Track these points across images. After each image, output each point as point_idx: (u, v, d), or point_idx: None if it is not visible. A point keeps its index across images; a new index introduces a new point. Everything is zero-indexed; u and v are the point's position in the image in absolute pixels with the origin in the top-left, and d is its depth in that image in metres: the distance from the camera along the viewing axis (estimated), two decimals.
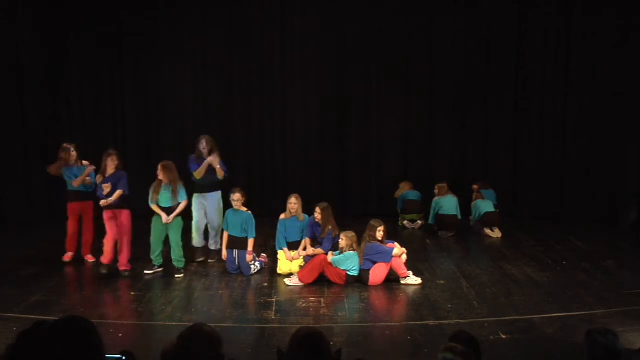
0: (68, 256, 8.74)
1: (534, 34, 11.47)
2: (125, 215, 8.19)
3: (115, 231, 8.17)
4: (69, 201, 8.77)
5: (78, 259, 8.74)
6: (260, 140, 11.83)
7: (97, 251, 8.59)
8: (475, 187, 10.87)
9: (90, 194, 8.69)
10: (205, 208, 8.75)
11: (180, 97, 11.65)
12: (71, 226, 8.75)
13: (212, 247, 8.99)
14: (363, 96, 11.75)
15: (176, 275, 8.09)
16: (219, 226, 8.79)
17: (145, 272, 8.17)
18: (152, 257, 8.19)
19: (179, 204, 8.11)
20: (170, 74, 11.55)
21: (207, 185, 8.70)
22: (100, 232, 8.61)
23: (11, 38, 10.85)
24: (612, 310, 6.80)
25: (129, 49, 11.50)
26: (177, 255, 8.18)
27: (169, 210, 8.06)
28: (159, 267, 8.24)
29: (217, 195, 8.83)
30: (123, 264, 8.16)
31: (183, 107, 11.66)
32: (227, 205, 8.49)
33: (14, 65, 10.94)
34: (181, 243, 8.19)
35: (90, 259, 8.77)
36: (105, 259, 8.18)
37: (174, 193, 8.04)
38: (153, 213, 8.14)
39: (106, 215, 8.19)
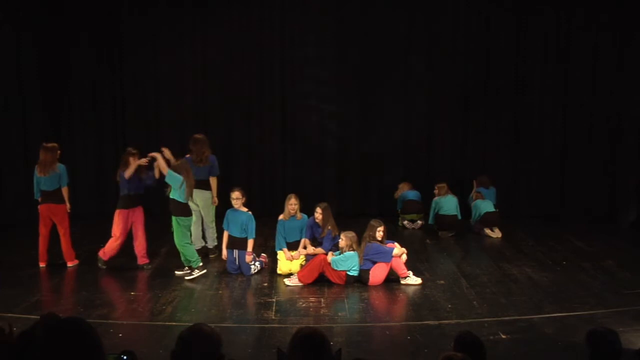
0: (42, 264, 8.41)
1: (534, 35, 11.47)
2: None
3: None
4: (39, 203, 8.34)
5: (81, 262, 8.62)
6: (260, 140, 11.82)
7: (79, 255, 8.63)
8: (475, 182, 10.89)
9: (61, 196, 8.32)
10: (197, 207, 8.81)
11: (180, 97, 11.64)
12: (42, 231, 8.32)
13: (210, 244, 9.07)
14: (363, 96, 11.73)
15: (179, 273, 8.07)
16: (212, 220, 8.92)
17: (187, 278, 7.99)
18: (194, 259, 8.01)
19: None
20: (170, 74, 11.55)
21: (196, 182, 8.77)
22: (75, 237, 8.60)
23: (12, 39, 10.85)
24: (612, 310, 6.81)
25: (129, 49, 11.49)
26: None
27: (182, 206, 7.99)
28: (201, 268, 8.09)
29: (207, 193, 8.87)
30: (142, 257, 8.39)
31: (183, 107, 11.65)
32: (227, 204, 8.48)
33: (14, 66, 10.95)
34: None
35: (72, 263, 8.50)
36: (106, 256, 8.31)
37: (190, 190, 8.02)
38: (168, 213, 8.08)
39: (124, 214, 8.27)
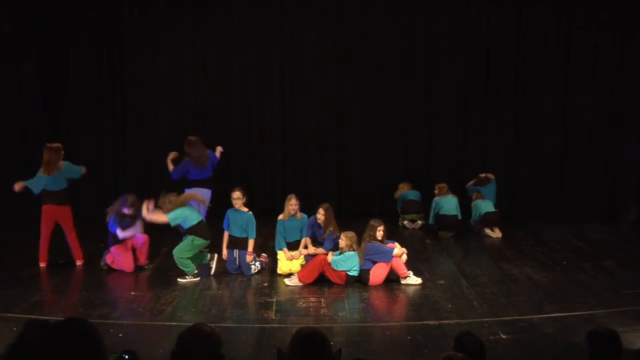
0: (42, 264, 8.39)
1: (534, 35, 11.47)
2: None
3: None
4: (43, 203, 8.24)
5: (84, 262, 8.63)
6: (260, 140, 11.82)
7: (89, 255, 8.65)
8: (482, 175, 10.90)
9: (67, 197, 8.34)
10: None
11: (180, 97, 11.64)
12: (43, 232, 8.28)
13: None
14: (363, 96, 11.73)
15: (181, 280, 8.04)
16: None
17: (179, 278, 7.99)
18: (189, 269, 7.94)
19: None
20: (170, 74, 11.55)
21: (197, 181, 8.75)
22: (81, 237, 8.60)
23: (11, 38, 10.86)
24: (612, 310, 6.80)
25: (129, 49, 11.49)
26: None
27: (202, 227, 8.06)
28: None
29: (206, 192, 8.86)
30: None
31: (183, 107, 11.65)
32: (227, 204, 8.48)
33: (14, 66, 10.95)
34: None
35: (81, 262, 8.52)
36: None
37: None
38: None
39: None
